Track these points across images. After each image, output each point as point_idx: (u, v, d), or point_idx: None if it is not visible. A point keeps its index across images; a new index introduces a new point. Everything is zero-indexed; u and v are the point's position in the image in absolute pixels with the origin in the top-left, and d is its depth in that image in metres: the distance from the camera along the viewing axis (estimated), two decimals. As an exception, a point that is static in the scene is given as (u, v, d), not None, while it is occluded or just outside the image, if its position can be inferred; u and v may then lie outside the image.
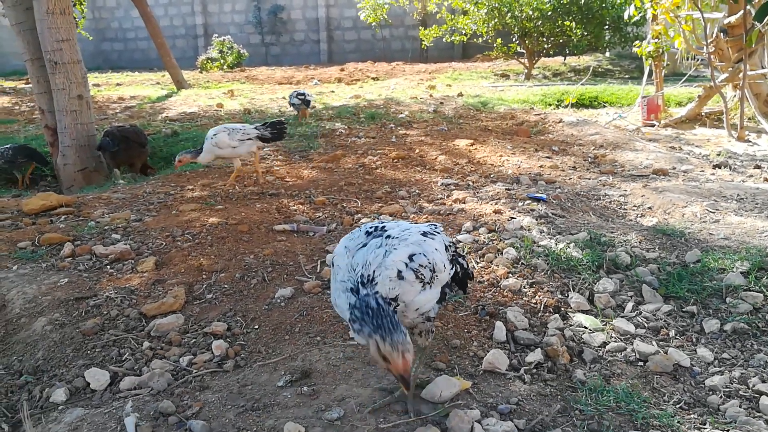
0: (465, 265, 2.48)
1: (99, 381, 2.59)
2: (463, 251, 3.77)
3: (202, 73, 18.53)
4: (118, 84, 16.41)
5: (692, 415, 2.31)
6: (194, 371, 2.65)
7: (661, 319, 3.01)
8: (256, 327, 2.98)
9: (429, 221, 4.41)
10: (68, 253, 3.99)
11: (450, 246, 2.38)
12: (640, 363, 2.67)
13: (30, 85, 15.12)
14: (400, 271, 2.05)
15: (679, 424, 2.21)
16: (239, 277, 3.49)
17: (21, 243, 4.17)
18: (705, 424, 2.24)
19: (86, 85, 6.95)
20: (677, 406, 2.37)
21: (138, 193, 5.49)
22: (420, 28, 18.19)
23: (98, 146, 6.93)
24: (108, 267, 3.80)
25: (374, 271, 2.03)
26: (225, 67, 19.28)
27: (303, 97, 9.46)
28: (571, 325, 2.97)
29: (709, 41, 8.35)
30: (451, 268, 2.31)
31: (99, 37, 24.02)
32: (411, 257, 2.10)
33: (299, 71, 18.65)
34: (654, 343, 2.81)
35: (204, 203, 5.03)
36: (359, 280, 2.02)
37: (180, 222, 4.48)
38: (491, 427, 2.12)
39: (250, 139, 5.44)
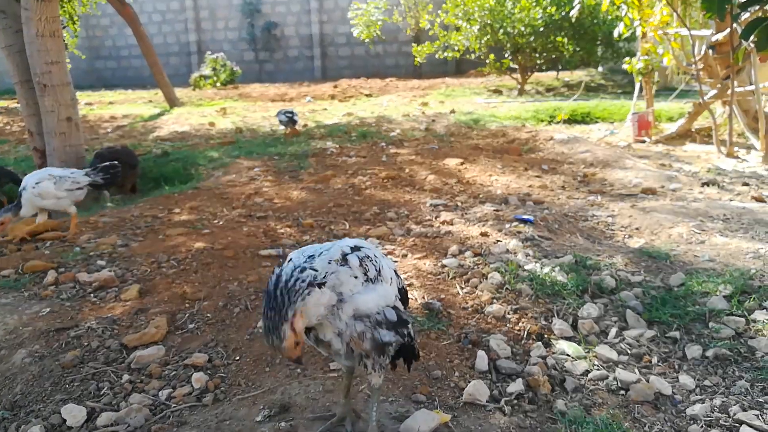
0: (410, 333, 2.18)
1: (75, 417, 2.55)
2: (448, 276, 3.76)
3: (195, 90, 18.58)
4: (110, 102, 16.44)
5: (673, 448, 2.29)
6: (173, 405, 2.62)
7: (644, 346, 3.00)
8: (237, 358, 2.96)
9: (415, 245, 4.40)
10: (51, 281, 3.96)
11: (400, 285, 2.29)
12: (622, 392, 2.65)
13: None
14: (345, 254, 2.01)
15: (658, 458, 2.19)
16: (222, 306, 3.47)
17: (4, 271, 4.15)
18: (685, 457, 2.22)
19: (75, 107, 6.95)
20: (658, 437, 2.36)
21: (126, 217, 5.47)
22: (413, 44, 18.29)
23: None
24: (91, 295, 3.77)
25: (319, 254, 1.99)
26: (218, 84, 19.33)
27: (291, 115, 9.51)
28: (554, 353, 2.95)
29: (697, 58, 8.42)
30: (397, 295, 2.20)
31: (92, 55, 24.09)
32: (358, 247, 2.08)
33: (293, 88, 18.72)
34: (636, 370, 2.79)
35: (191, 227, 5.02)
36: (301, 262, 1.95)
37: (166, 247, 4.46)
38: (469, 464, 2.10)
39: (80, 188, 5.01)
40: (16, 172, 7.39)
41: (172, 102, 14.67)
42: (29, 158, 8.48)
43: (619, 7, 13.67)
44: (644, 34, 9.60)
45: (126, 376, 2.86)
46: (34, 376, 2.92)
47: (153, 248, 4.47)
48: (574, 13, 10.16)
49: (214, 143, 9.36)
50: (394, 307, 2.11)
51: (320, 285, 1.88)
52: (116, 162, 5.47)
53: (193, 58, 23.50)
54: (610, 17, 14.56)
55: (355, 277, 1.99)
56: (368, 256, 2.06)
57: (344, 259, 2.00)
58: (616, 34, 9.66)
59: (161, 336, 3.17)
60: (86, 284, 3.90)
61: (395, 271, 2.22)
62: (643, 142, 9.19)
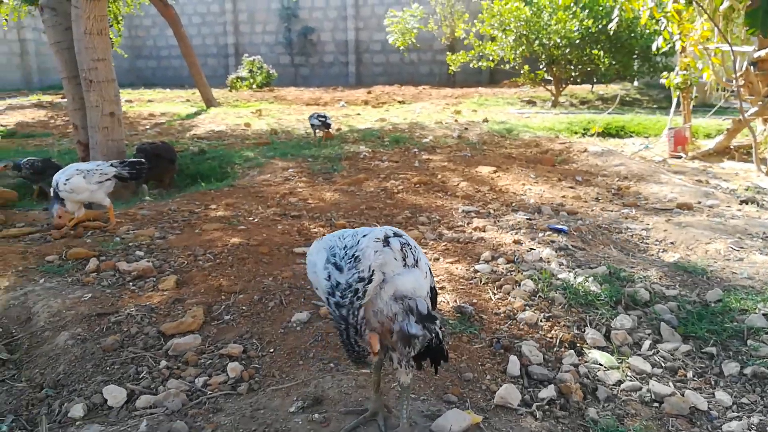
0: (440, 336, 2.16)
1: (116, 398, 2.64)
2: (481, 282, 3.78)
3: (231, 91, 18.89)
4: (149, 100, 16.82)
5: (707, 462, 2.27)
6: (209, 393, 2.68)
7: (678, 359, 2.97)
8: (272, 350, 3.02)
9: (447, 249, 4.42)
10: (93, 269, 4.08)
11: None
12: (656, 404, 2.63)
13: (66, 100, 15.64)
14: (387, 237, 2.04)
15: (693, 471, 2.17)
16: (257, 299, 3.53)
17: (49, 257, 4.28)
18: (720, 472, 2.20)
19: (118, 103, 7.14)
20: (692, 451, 2.34)
21: (163, 211, 5.60)
22: (448, 53, 18.33)
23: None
24: (130, 284, 3.88)
25: (359, 241, 2.01)
26: (254, 86, 19.62)
27: (324, 119, 9.60)
28: (586, 362, 2.94)
29: (738, 74, 8.28)
30: (428, 292, 2.21)
31: (134, 55, 24.71)
32: (396, 234, 2.12)
33: (327, 93, 18.90)
34: (671, 384, 2.77)
35: (227, 223, 5.11)
36: (343, 250, 1.97)
37: (202, 241, 4.56)
38: (500, 465, 2.11)
39: (108, 179, 5.12)
40: (61, 164, 7.61)
41: (209, 102, 14.95)
42: (72, 151, 8.73)
43: (658, 21, 13.54)
44: (683, 49, 9.47)
45: (163, 362, 2.94)
46: (76, 357, 3.01)
47: (190, 241, 4.57)
48: (612, 25, 10.07)
49: (250, 143, 9.50)
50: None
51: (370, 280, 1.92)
52: (143, 160, 5.63)
53: (231, 60, 23.92)
54: (648, 31, 14.42)
55: (395, 259, 2.03)
56: (408, 244, 2.10)
57: (386, 241, 2.03)
58: (654, 48, 9.55)
59: (198, 325, 3.25)
60: (125, 273, 4.00)
61: (429, 268, 2.24)
62: (679, 157, 9.05)
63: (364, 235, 2.02)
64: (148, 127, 11.91)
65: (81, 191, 4.93)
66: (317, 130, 9.77)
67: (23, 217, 5.52)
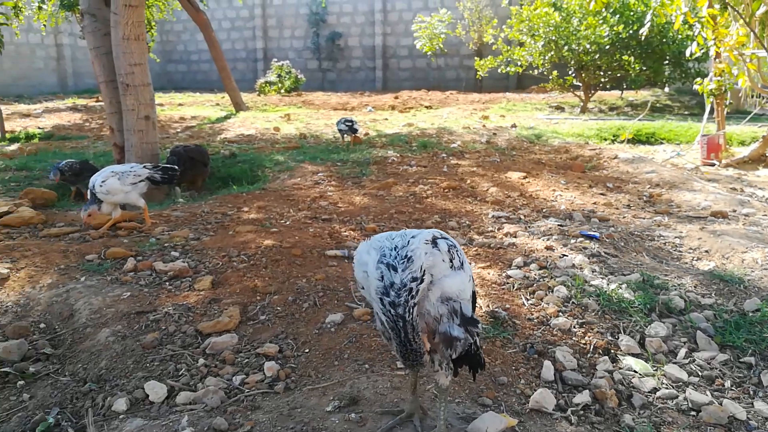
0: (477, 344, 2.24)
1: (157, 394, 2.71)
2: (513, 287, 3.78)
3: (260, 96, 19.12)
4: (180, 104, 17.11)
5: (747, 472, 2.25)
6: (246, 390, 2.74)
7: (716, 369, 2.94)
8: (307, 351, 3.06)
9: (479, 255, 4.43)
10: (131, 268, 4.19)
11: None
12: (693, 413, 2.61)
13: (100, 103, 16.01)
14: (435, 239, 2.07)
15: (732, 480, 2.15)
16: (291, 300, 3.59)
17: (88, 256, 4.40)
18: (760, 482, 2.18)
19: (153, 107, 7.31)
20: (731, 460, 2.32)
21: (196, 212, 5.71)
22: (475, 58, 18.32)
23: (166, 164, 7.26)
24: (167, 283, 3.97)
25: (409, 241, 2.03)
26: (282, 91, 19.84)
27: (351, 124, 9.66)
28: (620, 368, 2.93)
29: (775, 81, 8.14)
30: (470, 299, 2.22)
31: (165, 59, 25.17)
32: (443, 236, 2.15)
33: (354, 97, 19.02)
34: (708, 392, 2.74)
35: (260, 225, 5.19)
36: (394, 251, 1.99)
37: (236, 243, 4.64)
38: (537, 468, 2.12)
39: (142, 181, 5.26)
40: (97, 166, 7.80)
41: (239, 106, 15.15)
42: (107, 153, 8.94)
43: (691, 27, 13.35)
44: (718, 54, 9.33)
45: (201, 360, 3.01)
46: (117, 353, 3.10)
47: (223, 243, 4.66)
48: (644, 31, 9.97)
49: (280, 147, 9.62)
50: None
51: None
52: (176, 166, 5.79)
53: (259, 65, 24.22)
54: (680, 36, 14.22)
55: (443, 261, 2.05)
56: (455, 246, 2.13)
57: (434, 243, 2.06)
58: (688, 53, 9.41)
59: (234, 325, 3.32)
60: (162, 273, 4.10)
61: (471, 272, 2.26)
62: (712, 165, 8.92)
63: (413, 236, 2.05)
64: (179, 130, 12.13)
65: (116, 192, 5.07)
66: (345, 135, 9.85)
67: (62, 217, 5.68)
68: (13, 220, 5.18)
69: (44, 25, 13.26)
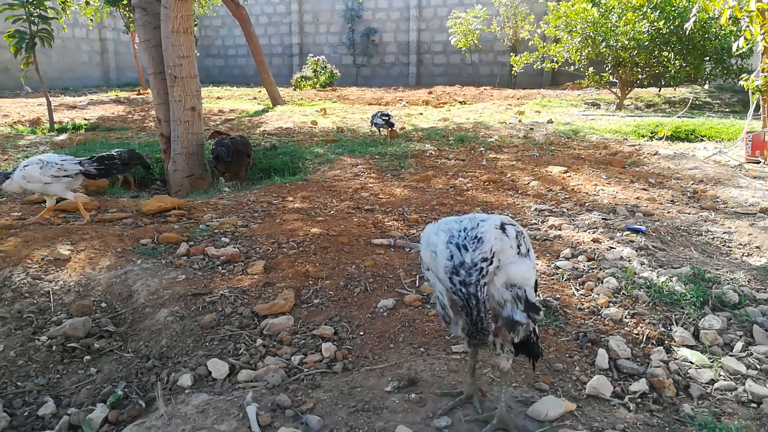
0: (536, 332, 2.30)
1: (220, 371, 2.80)
2: (563, 278, 3.79)
3: (295, 90, 19.31)
4: (218, 98, 17.38)
5: (811, 462, 2.23)
6: (305, 370, 2.81)
7: (774, 362, 2.91)
8: (361, 333, 3.13)
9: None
10: (184, 252, 4.31)
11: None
12: (753, 405, 2.59)
13: (141, 96, 16.38)
14: (503, 224, 2.09)
15: (798, 470, 2.14)
16: (343, 286, 3.66)
17: (143, 240, 4.54)
18: (825, 472, 2.17)
19: (199, 98, 7.47)
20: (794, 450, 2.30)
21: (242, 201, 5.82)
22: (510, 54, 18.22)
23: (215, 155, 7.43)
24: (220, 267, 4.08)
25: (478, 224, 2.05)
26: (317, 85, 19.99)
27: (387, 118, 9.70)
28: (675, 359, 2.92)
29: (825, 77, 7.93)
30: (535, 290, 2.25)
31: (203, 54, 25.58)
32: (510, 222, 2.16)
33: (388, 93, 19.07)
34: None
35: (305, 214, 5.28)
36: (464, 232, 2.01)
37: (284, 230, 4.73)
38: (599, 450, 2.14)
39: (68, 176, 4.86)
40: (143, 155, 8.01)
41: (275, 100, 15.33)
42: (151, 144, 9.17)
43: (736, 22, 13.05)
44: (766, 49, 9.12)
45: (259, 341, 3.10)
46: (176, 332, 3.20)
47: (272, 230, 4.75)
48: (689, 25, 9.80)
49: (318, 140, 9.72)
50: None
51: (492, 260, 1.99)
52: (113, 154, 5.46)
53: (295, 60, 24.45)
54: (723, 32, 13.91)
55: (510, 247, 2.07)
56: (521, 233, 2.16)
57: (503, 228, 2.09)
58: (734, 48, 9.22)
59: (289, 307, 3.40)
60: (214, 257, 4.21)
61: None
62: (757, 162, 8.72)
63: (483, 220, 2.09)
64: (218, 123, 12.33)
65: (34, 181, 4.76)
66: (381, 129, 9.91)
67: (114, 203, 5.85)
68: (70, 206, 5.36)
69: (90, 19, 13.62)
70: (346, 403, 2.47)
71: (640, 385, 2.64)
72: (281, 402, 2.47)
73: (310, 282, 3.72)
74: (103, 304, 3.63)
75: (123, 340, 3.31)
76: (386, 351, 2.93)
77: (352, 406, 2.45)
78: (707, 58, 14.73)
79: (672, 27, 13.82)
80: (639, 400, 2.58)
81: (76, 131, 11.23)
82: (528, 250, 2.16)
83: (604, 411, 2.46)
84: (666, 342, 3.08)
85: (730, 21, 13.52)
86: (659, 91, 17.29)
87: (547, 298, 3.41)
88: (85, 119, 12.47)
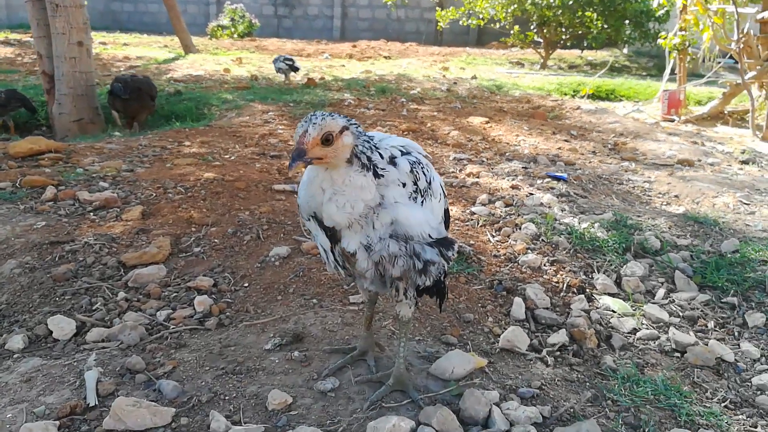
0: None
1: (63, 330, 2.28)
2: (478, 224, 3.46)
3: (211, 39, 18.10)
4: (125, 44, 15.99)
5: (740, 416, 2.01)
6: (171, 327, 2.34)
7: (697, 309, 2.70)
8: (246, 285, 2.67)
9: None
10: (50, 197, 3.68)
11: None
12: (677, 354, 2.36)
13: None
14: (393, 157, 1.69)
15: (728, 426, 1.91)
16: (231, 233, 3.17)
17: (0, 184, 3.86)
18: (756, 427, 1.94)
19: (88, 32, 6.60)
20: (723, 404, 2.07)
21: (133, 146, 5.16)
22: (437, 8, 17.75)
23: (110, 91, 6.64)
24: (91, 214, 3.49)
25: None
26: (235, 35, 18.84)
27: (291, 62, 9.14)
28: (597, 308, 2.66)
29: (740, 37, 7.99)
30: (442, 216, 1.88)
31: (109, -4, 23.55)
32: (407, 150, 1.75)
33: (310, 45, 18.22)
34: (692, 333, 2.50)
35: (201, 159, 4.71)
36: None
37: (173, 175, 4.16)
38: (512, 412, 1.82)
39: None
40: (27, 96, 7.09)
41: (188, 48, 14.23)
42: (38, 86, 8.14)
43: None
44: (685, 8, 9.13)
45: (122, 294, 2.59)
46: (22, 287, 2.64)
47: (159, 175, 4.17)
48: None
49: (229, 87, 8.99)
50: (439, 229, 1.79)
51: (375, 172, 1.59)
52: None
53: (212, 9, 22.94)
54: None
55: (403, 185, 1.67)
56: (419, 162, 1.74)
57: (392, 162, 1.67)
58: (655, 4, 9.23)
59: (163, 257, 2.89)
60: (86, 202, 3.61)
61: (443, 189, 1.89)
62: (672, 120, 8.79)
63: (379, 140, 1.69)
64: (122, 69, 11.25)
65: None
66: (285, 75, 9.34)
67: (-24, 145, 5.03)
68: None
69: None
70: (215, 364, 2.03)
71: (559, 337, 2.34)
72: (132, 365, 2.00)
73: (193, 229, 3.21)
74: (-65, 256, 2.98)
75: (-47, 297, 2.70)
76: (272, 304, 2.50)
77: (221, 368, 2.01)
78: (627, 20, 14.86)
79: (595, -14, 13.80)
80: (558, 353, 2.28)
81: (-49, 72, 9.91)
82: (429, 182, 1.74)
83: (519, 366, 2.14)
84: (587, 290, 2.81)
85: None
86: (581, 52, 17.40)
87: (460, 245, 3.07)
88: (-36, 60, 11.07)
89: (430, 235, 1.72)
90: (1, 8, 20.24)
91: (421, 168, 1.72)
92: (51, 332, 2.29)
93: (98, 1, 18.87)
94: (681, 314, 2.66)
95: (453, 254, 1.77)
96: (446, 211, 1.94)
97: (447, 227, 1.95)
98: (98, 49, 13.69)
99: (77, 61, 6.53)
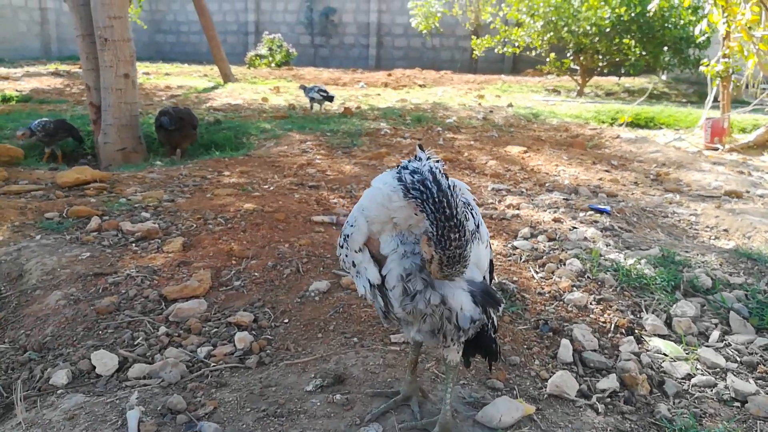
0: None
1: (106, 365, 2.29)
2: (521, 259, 3.39)
3: (250, 69, 18.51)
4: (167, 74, 16.48)
5: (810, 474, 1.88)
6: (212, 364, 2.32)
7: (756, 354, 2.57)
8: (286, 321, 2.65)
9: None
10: (94, 227, 3.75)
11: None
12: (737, 403, 2.23)
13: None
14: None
15: (798, 485, 1.78)
16: (271, 266, 3.17)
17: (48, 213, 3.95)
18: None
19: (133, 64, 6.80)
20: (789, 460, 1.95)
21: (174, 175, 5.26)
22: (472, 37, 17.84)
23: (158, 125, 6.83)
24: (133, 244, 3.54)
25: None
26: (273, 64, 19.23)
27: (325, 93, 9.24)
28: (647, 351, 2.55)
29: (787, 62, 7.78)
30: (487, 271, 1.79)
31: (154, 29, 24.39)
32: (455, 185, 1.64)
33: (346, 74, 18.47)
34: (751, 381, 2.37)
35: (241, 189, 4.75)
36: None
37: (214, 205, 4.21)
38: (564, 465, 1.73)
39: None
40: (75, 126, 7.32)
41: (227, 77, 14.57)
42: (84, 116, 8.41)
43: (695, 11, 12.97)
44: (727, 35, 8.95)
45: (163, 329, 2.59)
46: (67, 319, 2.67)
47: (200, 205, 4.22)
48: (652, 6, 9.57)
49: (267, 116, 9.13)
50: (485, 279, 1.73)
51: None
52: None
53: (250, 38, 23.54)
54: (682, 21, 13.85)
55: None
56: (468, 203, 1.68)
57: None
58: (697, 31, 9.05)
59: (204, 290, 2.89)
60: (129, 233, 3.66)
61: (487, 235, 1.82)
62: (716, 149, 8.56)
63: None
64: (164, 98, 11.56)
65: None
66: (319, 105, 9.46)
67: (28, 174, 5.20)
68: (-33, 176, 4.70)
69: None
70: (256, 405, 2.00)
71: (609, 382, 2.25)
72: (174, 405, 1.99)
73: (234, 262, 3.22)
74: (-16, 286, 3.05)
75: (1, 329, 2.75)
76: (313, 341, 2.46)
77: (262, 409, 1.98)
78: (666, 47, 14.66)
79: (633, 14, 13.68)
80: (608, 399, 2.18)
81: (5, 102, 10.32)
82: (477, 226, 1.67)
83: (568, 414, 2.05)
84: (636, 331, 2.70)
85: (690, 11, 13.48)
86: (619, 79, 17.21)
87: (503, 281, 2.99)
88: (18, 90, 11.52)
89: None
90: (53, 41, 21.12)
91: (470, 209, 1.66)
92: (94, 367, 2.29)
93: (143, 33, 19.54)
94: (738, 359, 2.53)
95: (496, 315, 1.70)
96: (491, 262, 1.86)
97: (491, 278, 1.88)
98: (141, 79, 14.13)
99: (123, 93, 6.72)
